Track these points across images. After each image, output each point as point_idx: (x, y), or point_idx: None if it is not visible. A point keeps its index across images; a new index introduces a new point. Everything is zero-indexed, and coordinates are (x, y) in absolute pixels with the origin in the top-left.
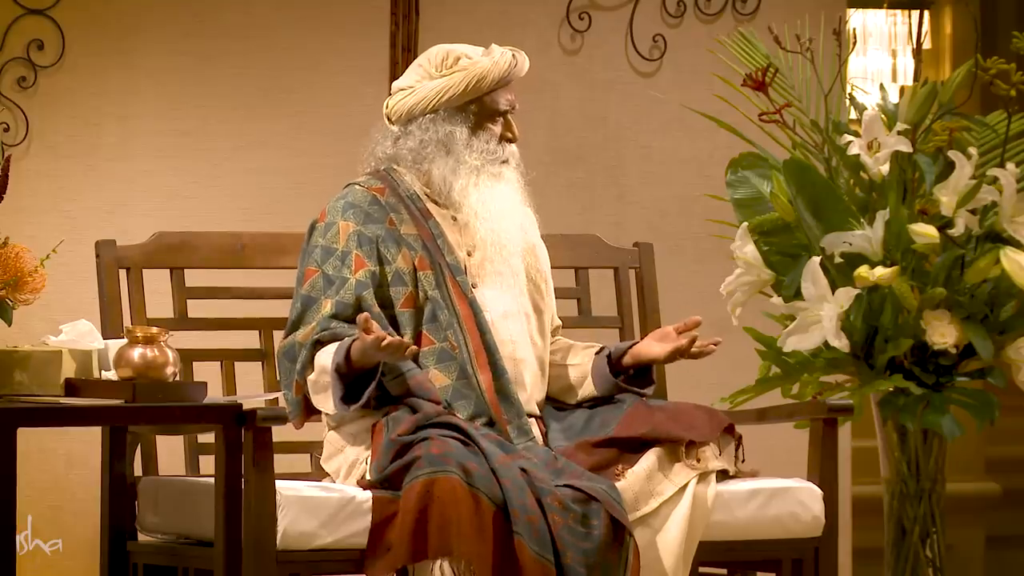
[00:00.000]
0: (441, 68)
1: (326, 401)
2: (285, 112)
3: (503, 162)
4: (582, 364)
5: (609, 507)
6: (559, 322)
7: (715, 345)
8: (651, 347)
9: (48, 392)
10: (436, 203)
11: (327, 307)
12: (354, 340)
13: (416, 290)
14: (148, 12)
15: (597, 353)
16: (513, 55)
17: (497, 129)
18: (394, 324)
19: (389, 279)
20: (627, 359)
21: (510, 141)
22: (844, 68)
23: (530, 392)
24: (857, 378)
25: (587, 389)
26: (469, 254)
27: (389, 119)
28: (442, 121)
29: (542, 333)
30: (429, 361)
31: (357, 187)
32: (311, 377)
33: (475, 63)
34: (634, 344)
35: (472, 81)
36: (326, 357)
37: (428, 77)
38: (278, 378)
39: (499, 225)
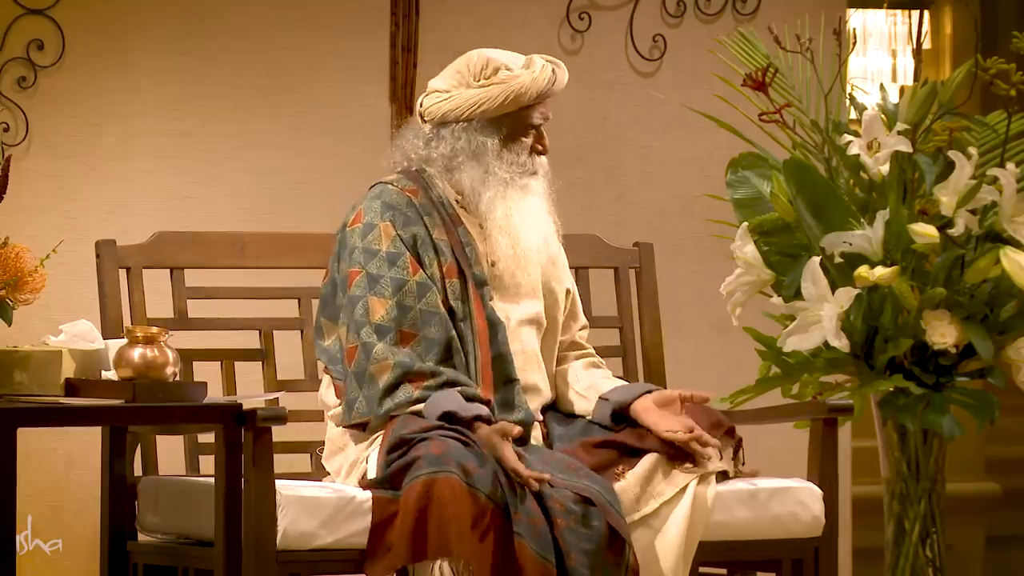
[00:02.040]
0: (479, 77)
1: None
2: (285, 112)
3: (532, 174)
4: (585, 403)
5: (606, 513)
6: (584, 321)
7: (707, 447)
8: (651, 417)
9: (48, 392)
10: (466, 209)
11: (379, 308)
12: (480, 417)
13: (445, 296)
14: (148, 12)
15: (602, 395)
16: (553, 70)
17: (528, 142)
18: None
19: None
20: (628, 412)
21: (540, 153)
22: (844, 68)
23: (539, 401)
24: (857, 378)
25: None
26: (493, 264)
27: (422, 117)
28: (475, 131)
29: (553, 342)
30: (450, 366)
31: (391, 187)
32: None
33: (514, 77)
34: (636, 398)
35: (510, 96)
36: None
37: (465, 85)
38: (327, 369)
39: (521, 239)
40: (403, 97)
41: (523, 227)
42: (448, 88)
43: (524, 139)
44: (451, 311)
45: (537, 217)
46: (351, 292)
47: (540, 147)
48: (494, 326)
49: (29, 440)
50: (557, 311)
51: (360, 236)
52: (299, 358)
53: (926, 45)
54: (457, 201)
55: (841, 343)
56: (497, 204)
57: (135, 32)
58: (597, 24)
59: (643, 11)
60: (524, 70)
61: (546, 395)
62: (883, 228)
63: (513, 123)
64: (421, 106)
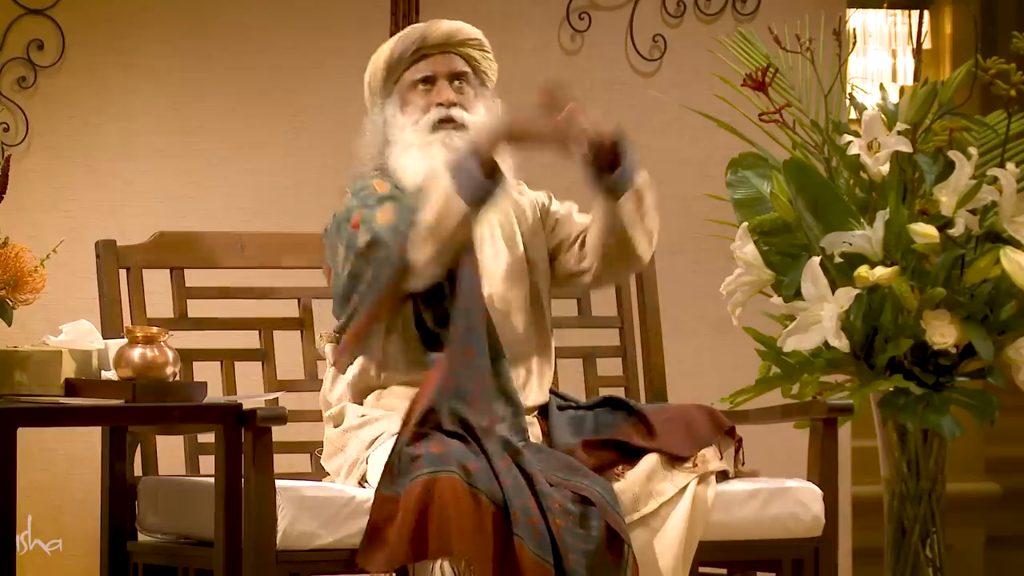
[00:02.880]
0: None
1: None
2: (285, 112)
3: (436, 127)
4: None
5: (605, 514)
6: (567, 208)
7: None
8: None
9: (48, 392)
10: None
11: (389, 214)
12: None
13: None
14: (148, 12)
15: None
16: (421, 25)
17: (421, 100)
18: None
19: None
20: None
21: (441, 105)
22: (844, 68)
23: (535, 386)
24: (857, 378)
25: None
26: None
27: None
28: (378, 112)
29: (543, 322)
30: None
31: (369, 181)
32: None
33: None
34: None
35: (380, 64)
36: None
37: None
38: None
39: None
40: None
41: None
42: None
43: (415, 99)
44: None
45: None
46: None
47: (438, 99)
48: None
49: (29, 440)
50: (542, 281)
51: (353, 197)
52: (299, 358)
53: (926, 45)
54: None
55: (841, 343)
56: (406, 168)
57: (135, 32)
58: (597, 24)
59: (643, 11)
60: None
61: (545, 379)
62: (883, 228)
63: (401, 88)
64: None
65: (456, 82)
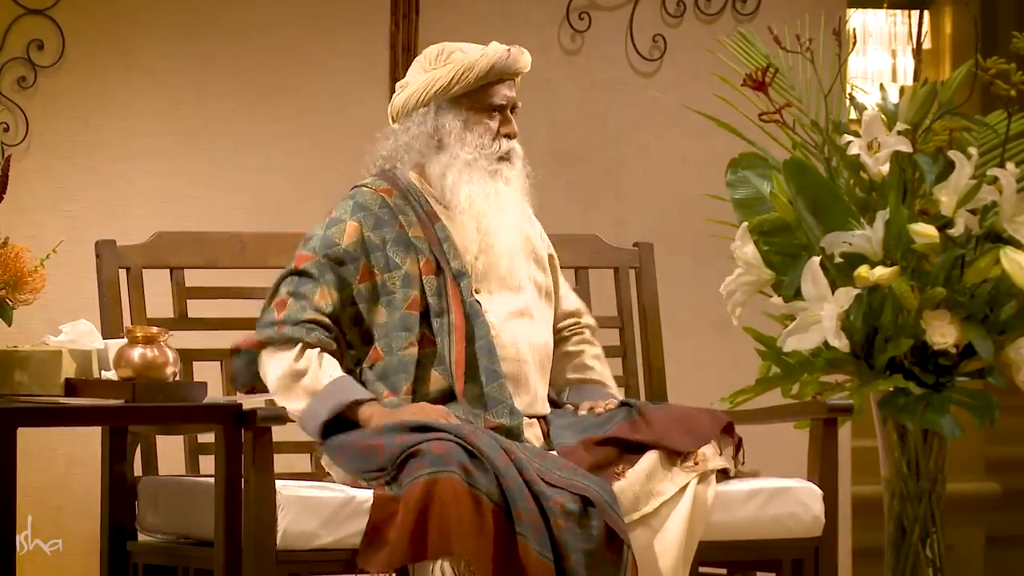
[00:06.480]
0: (435, 62)
1: (294, 402)
2: (285, 112)
3: (500, 159)
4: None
5: (604, 514)
6: (579, 305)
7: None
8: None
9: (48, 392)
10: (442, 204)
11: (318, 298)
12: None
13: (422, 294)
14: (148, 12)
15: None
16: (508, 50)
17: (493, 124)
18: (404, 326)
19: (398, 283)
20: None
21: (508, 137)
22: (844, 68)
23: (534, 392)
24: (857, 378)
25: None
26: (476, 258)
27: (393, 119)
28: (434, 115)
29: (545, 328)
30: (431, 362)
31: (365, 189)
32: (298, 369)
33: (465, 55)
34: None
35: (459, 72)
36: (331, 372)
37: (423, 72)
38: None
39: (490, 223)
40: None
41: (490, 212)
42: (409, 80)
43: (487, 121)
44: (427, 307)
45: (507, 203)
46: (300, 268)
47: (507, 131)
48: (471, 319)
49: (29, 440)
50: (540, 300)
51: (324, 227)
52: None
53: (926, 45)
54: (431, 195)
55: (841, 343)
56: (461, 187)
57: (135, 32)
58: (597, 24)
59: (643, 11)
60: (477, 51)
61: (544, 385)
62: (883, 228)
63: (472, 104)
64: (390, 107)
65: (514, 112)
